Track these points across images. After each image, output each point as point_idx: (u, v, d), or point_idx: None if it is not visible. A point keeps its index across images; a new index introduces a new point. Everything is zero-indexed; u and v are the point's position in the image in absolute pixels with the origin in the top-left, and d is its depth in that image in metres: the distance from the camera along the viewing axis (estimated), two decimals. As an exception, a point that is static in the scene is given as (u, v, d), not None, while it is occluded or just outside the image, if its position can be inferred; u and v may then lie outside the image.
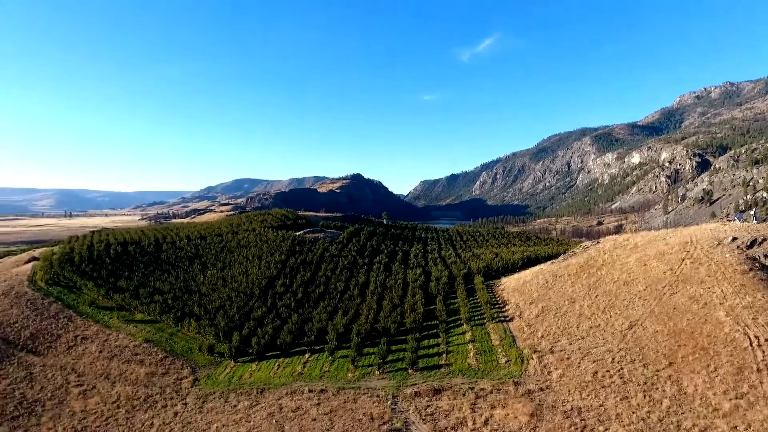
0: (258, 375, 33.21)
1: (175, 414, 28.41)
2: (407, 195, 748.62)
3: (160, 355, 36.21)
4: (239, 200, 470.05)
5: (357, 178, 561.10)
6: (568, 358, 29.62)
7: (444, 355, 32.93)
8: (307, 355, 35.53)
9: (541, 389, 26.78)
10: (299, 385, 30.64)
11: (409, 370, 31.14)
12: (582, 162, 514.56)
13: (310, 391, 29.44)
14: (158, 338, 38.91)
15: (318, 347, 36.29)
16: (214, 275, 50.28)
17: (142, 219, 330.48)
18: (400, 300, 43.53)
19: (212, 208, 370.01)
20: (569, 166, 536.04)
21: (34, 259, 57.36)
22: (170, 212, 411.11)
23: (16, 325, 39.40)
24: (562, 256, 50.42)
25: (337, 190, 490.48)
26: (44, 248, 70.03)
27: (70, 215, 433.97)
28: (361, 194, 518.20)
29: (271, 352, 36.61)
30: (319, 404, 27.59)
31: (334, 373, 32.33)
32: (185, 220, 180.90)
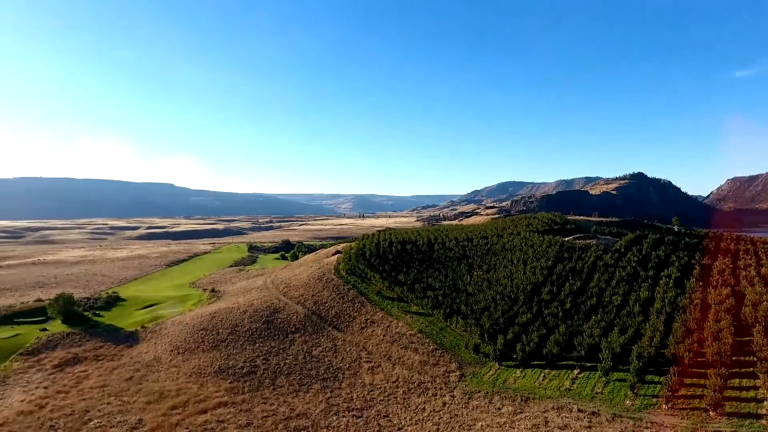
0: (522, 382, 32.38)
1: (444, 404, 30.21)
2: (708, 196, 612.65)
3: (431, 347, 39.31)
4: (503, 203, 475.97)
5: (638, 177, 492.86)
6: None
7: (765, 402, 25.28)
8: (576, 371, 32.75)
9: None
10: (567, 401, 28.42)
11: (711, 412, 25.04)
12: None
13: (579, 410, 26.95)
14: (430, 330, 42.37)
15: (589, 364, 32.99)
16: (480, 276, 51.80)
17: (417, 220, 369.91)
18: (698, 325, 35.65)
19: (478, 211, 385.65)
20: None
21: (338, 252, 70.73)
22: (440, 215, 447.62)
23: (326, 304, 49.15)
24: None
25: (613, 192, 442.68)
26: (344, 243, 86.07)
27: (363, 216, 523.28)
28: (642, 196, 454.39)
29: (535, 360, 35.21)
30: (590, 428, 24.93)
31: (607, 396, 28.79)
32: (453, 222, 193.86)
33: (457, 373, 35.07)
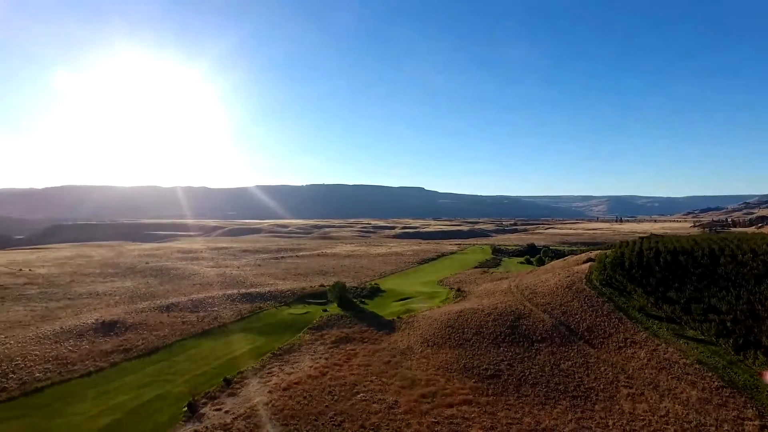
0: None
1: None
2: None
3: (715, 383, 31.82)
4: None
5: None
6: None
7: None
8: None
9: None
10: None
11: None
12: None
13: None
14: (713, 363, 34.37)
15: None
16: (792, 302, 39.49)
17: (694, 226, 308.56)
18: None
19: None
20: None
21: (590, 260, 64.34)
22: (728, 219, 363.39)
23: (576, 316, 45.20)
24: None
25: None
26: (598, 251, 77.72)
27: (620, 220, 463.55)
28: None
29: None
30: None
31: None
32: (748, 230, 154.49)
33: (756, 423, 27.34)
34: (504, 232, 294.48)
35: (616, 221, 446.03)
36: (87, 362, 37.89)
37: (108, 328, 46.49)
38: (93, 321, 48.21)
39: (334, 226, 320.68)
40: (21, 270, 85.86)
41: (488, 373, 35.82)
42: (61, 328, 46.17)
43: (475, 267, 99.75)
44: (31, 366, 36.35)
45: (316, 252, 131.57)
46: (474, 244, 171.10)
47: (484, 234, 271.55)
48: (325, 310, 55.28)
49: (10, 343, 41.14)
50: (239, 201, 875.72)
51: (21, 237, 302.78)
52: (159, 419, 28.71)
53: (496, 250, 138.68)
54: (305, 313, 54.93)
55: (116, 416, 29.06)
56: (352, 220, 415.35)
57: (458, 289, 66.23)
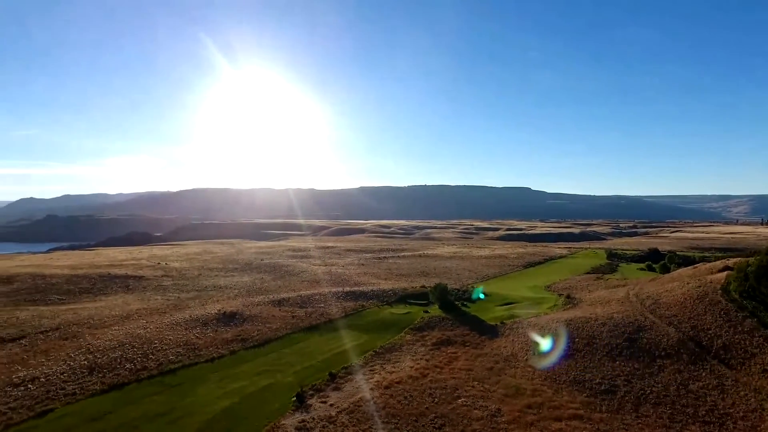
0: None
1: None
2: None
3: None
4: None
5: None
6: None
7: None
8: None
9: None
10: None
11: None
12: None
13: None
14: None
15: None
16: None
17: None
18: None
19: None
20: None
21: (728, 268, 56.38)
22: None
23: (709, 332, 39.88)
24: None
25: None
26: (737, 258, 67.80)
27: (767, 223, 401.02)
28: None
29: None
30: None
31: None
32: None
33: None
34: (621, 235, 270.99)
35: (762, 224, 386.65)
36: (211, 349, 41.89)
37: (228, 318, 50.97)
38: (216, 311, 53.20)
39: (435, 228, 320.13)
40: (159, 264, 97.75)
41: (602, 388, 33.06)
42: (190, 316, 51.64)
43: (588, 272, 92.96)
44: (166, 349, 41.09)
45: (417, 253, 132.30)
46: (586, 248, 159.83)
47: (597, 237, 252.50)
48: (426, 312, 55.19)
49: (150, 328, 46.95)
50: (344, 202, 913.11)
51: (159, 234, 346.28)
52: (271, 406, 30.74)
53: (612, 255, 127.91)
54: (406, 313, 55.35)
55: (234, 400, 31.74)
56: (454, 222, 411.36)
57: (568, 296, 62.18)
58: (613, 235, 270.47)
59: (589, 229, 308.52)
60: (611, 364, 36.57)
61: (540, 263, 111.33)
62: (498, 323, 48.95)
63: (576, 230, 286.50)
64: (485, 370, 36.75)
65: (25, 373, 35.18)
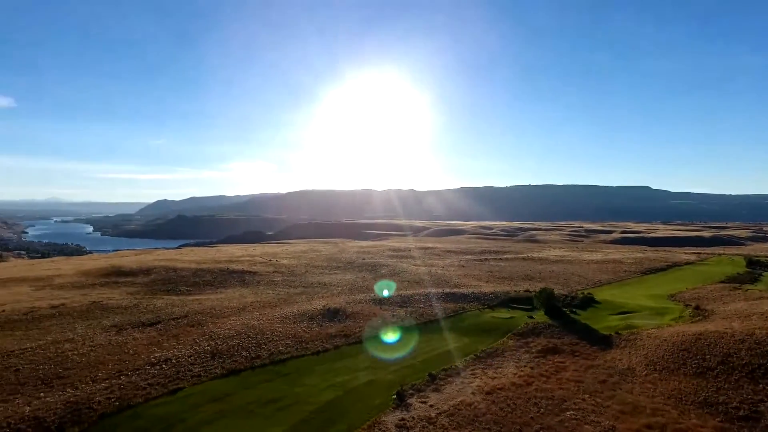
0: None
1: None
2: None
3: None
4: None
5: None
6: None
7: None
8: None
9: None
10: None
11: None
12: None
13: None
14: None
15: None
16: None
17: None
18: None
19: None
20: None
21: None
22: None
23: None
24: None
25: None
26: None
27: None
28: None
29: None
30: None
31: None
32: None
33: None
34: (764, 240, 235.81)
35: None
36: (316, 342, 43.92)
37: (332, 314, 53.09)
38: (321, 307, 55.72)
39: (540, 229, 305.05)
40: (270, 260, 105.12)
41: (740, 414, 28.80)
42: (298, 311, 54.68)
43: (722, 281, 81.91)
44: (277, 340, 43.91)
45: (521, 255, 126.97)
46: (720, 254, 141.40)
47: (733, 242, 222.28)
48: (531, 317, 52.60)
49: (263, 320, 50.53)
50: (444, 202, 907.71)
51: (271, 233, 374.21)
52: (372, 402, 31.33)
53: (753, 262, 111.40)
54: (509, 318, 53.24)
55: (338, 393, 32.89)
56: (561, 223, 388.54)
57: (696, 307, 55.38)
58: (754, 239, 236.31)
59: (723, 232, 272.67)
60: (752, 387, 31.73)
61: (662, 270, 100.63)
62: (612, 333, 45.04)
63: (707, 234, 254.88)
64: (597, 383, 33.96)
65: (160, 354, 39.84)
